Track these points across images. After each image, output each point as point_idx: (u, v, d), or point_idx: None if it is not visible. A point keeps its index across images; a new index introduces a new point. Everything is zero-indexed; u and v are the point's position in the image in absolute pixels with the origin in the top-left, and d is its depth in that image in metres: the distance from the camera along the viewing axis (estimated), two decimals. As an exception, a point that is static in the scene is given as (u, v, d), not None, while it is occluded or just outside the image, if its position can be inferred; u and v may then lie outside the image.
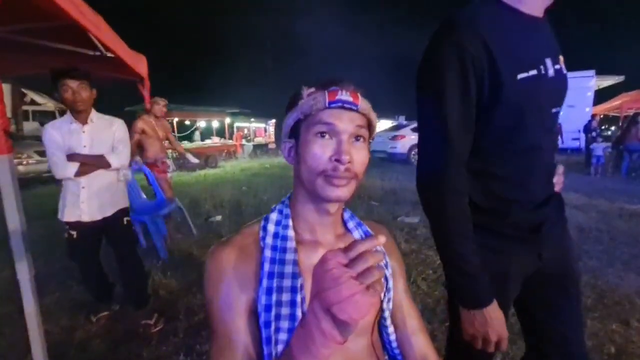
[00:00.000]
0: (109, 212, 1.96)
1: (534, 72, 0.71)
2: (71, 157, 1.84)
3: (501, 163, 0.76)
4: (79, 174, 1.84)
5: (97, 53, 2.54)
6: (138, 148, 3.34)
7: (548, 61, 0.73)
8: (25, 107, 10.17)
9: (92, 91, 1.88)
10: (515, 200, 0.78)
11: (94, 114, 1.94)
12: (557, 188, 0.86)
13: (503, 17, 0.72)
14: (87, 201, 1.88)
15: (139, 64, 3.17)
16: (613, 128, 11.10)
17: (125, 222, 2.04)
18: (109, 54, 2.53)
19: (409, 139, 10.17)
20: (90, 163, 1.88)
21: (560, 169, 0.87)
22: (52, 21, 1.83)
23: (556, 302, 0.87)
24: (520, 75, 0.70)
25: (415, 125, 11.67)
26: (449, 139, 0.70)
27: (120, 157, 1.98)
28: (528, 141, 0.75)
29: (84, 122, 1.89)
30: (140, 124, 3.33)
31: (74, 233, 1.91)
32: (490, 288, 0.74)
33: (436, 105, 0.70)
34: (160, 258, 2.92)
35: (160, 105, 3.47)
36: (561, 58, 0.78)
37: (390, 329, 0.66)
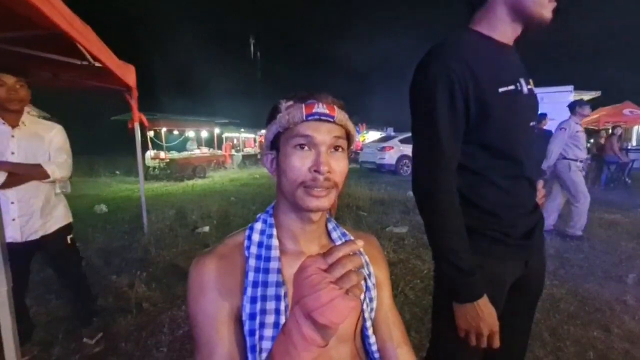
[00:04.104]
0: (49, 230, 1.73)
1: (512, 87, 0.81)
2: None
3: (495, 173, 0.84)
4: (5, 185, 1.56)
5: (85, 63, 2.53)
6: None
7: (522, 80, 0.84)
8: None
9: (28, 92, 1.67)
10: (509, 205, 0.85)
11: (27, 117, 1.69)
12: (540, 201, 0.95)
13: (480, 43, 0.83)
14: (20, 219, 1.61)
15: (127, 73, 3.16)
16: (592, 140, 11.54)
17: (69, 241, 1.82)
18: (97, 64, 2.52)
19: (397, 150, 10.31)
20: (22, 173, 1.60)
21: (540, 184, 0.96)
22: (40, 30, 1.82)
23: (514, 308, 0.91)
24: (501, 89, 0.79)
25: (403, 136, 11.76)
26: (440, 146, 0.78)
27: (62, 168, 1.72)
28: (515, 153, 0.84)
29: (14, 124, 1.63)
30: None
31: None
32: (482, 283, 0.79)
33: (429, 117, 0.79)
34: (143, 270, 2.86)
35: None
36: (531, 81, 0.89)
37: (372, 339, 0.66)
